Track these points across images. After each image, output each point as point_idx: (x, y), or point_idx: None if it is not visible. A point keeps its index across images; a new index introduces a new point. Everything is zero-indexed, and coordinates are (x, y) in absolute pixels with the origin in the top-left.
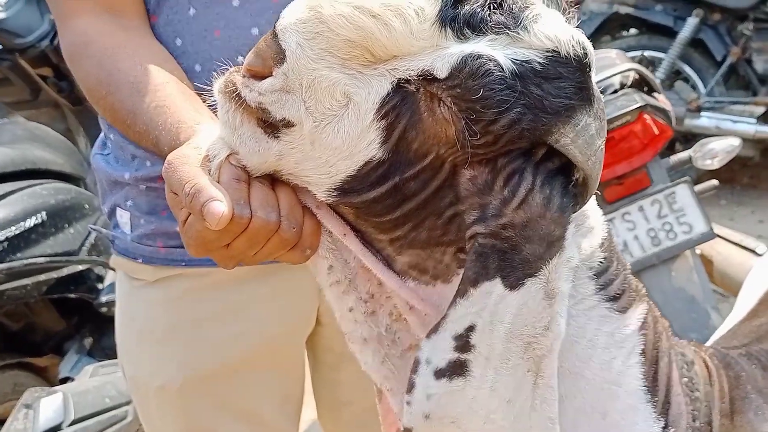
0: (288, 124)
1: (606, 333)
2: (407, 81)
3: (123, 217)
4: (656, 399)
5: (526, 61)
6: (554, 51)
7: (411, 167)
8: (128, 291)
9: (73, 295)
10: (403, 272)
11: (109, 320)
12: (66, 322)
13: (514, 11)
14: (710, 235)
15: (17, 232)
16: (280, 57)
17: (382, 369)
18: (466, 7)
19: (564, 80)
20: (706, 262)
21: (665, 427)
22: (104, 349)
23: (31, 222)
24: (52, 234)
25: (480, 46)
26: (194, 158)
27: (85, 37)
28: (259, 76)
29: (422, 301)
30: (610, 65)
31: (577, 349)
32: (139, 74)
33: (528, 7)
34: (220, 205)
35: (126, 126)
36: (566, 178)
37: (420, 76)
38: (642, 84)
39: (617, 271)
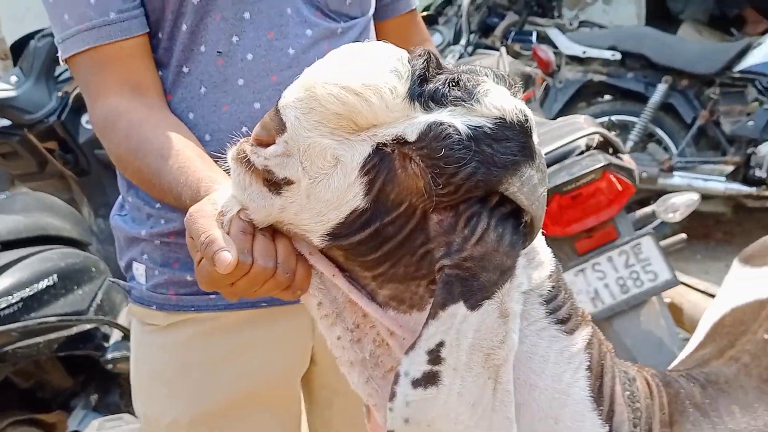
0: (288, 182)
1: (556, 350)
2: (384, 144)
3: (139, 269)
4: (602, 408)
5: (478, 127)
6: (501, 118)
7: (389, 214)
8: (142, 336)
9: (80, 353)
10: (384, 303)
11: (114, 377)
12: (73, 379)
13: (468, 87)
14: (674, 282)
15: (31, 293)
16: (282, 128)
17: (366, 388)
18: (431, 85)
19: (510, 141)
20: (677, 309)
21: (609, 431)
22: (109, 406)
23: (43, 284)
24: (62, 295)
25: (442, 115)
26: (210, 212)
27: (114, 113)
28: (265, 144)
29: (401, 328)
30: (578, 129)
31: (532, 364)
32: (162, 142)
33: (480, 84)
34: (227, 255)
35: (152, 185)
36: (516, 220)
37: (394, 140)
38: (607, 146)
39: (565, 299)
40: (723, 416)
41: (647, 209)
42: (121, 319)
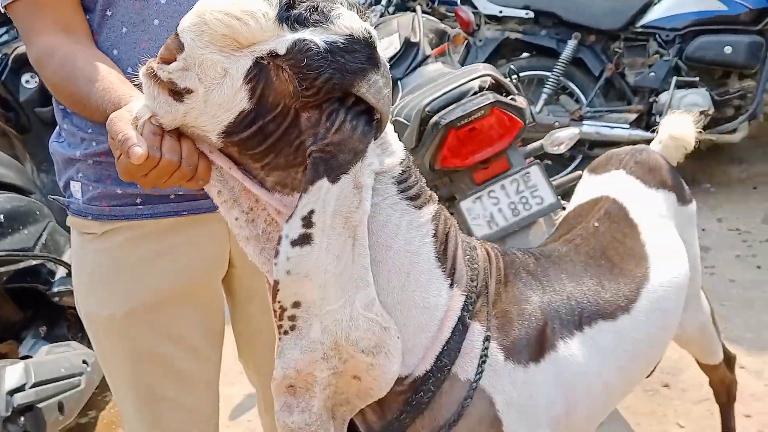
0: (188, 91)
1: (407, 221)
2: (262, 58)
3: (75, 186)
4: (445, 266)
5: (333, 42)
6: (350, 35)
7: (269, 113)
8: (81, 244)
9: (28, 286)
10: (271, 188)
11: (62, 310)
12: (23, 312)
13: (325, 12)
14: (557, 206)
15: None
16: (181, 47)
17: (261, 257)
18: (295, 11)
19: (358, 53)
20: None
21: (451, 285)
22: (58, 337)
23: None
24: (8, 234)
25: (305, 34)
26: (127, 117)
27: (49, 49)
28: (168, 62)
29: (285, 207)
30: (473, 72)
31: (387, 230)
32: (90, 70)
33: (334, 9)
34: (139, 149)
35: (83, 106)
36: (368, 116)
37: (269, 54)
38: (499, 88)
39: (414, 182)
40: (552, 281)
41: (536, 144)
42: (66, 258)
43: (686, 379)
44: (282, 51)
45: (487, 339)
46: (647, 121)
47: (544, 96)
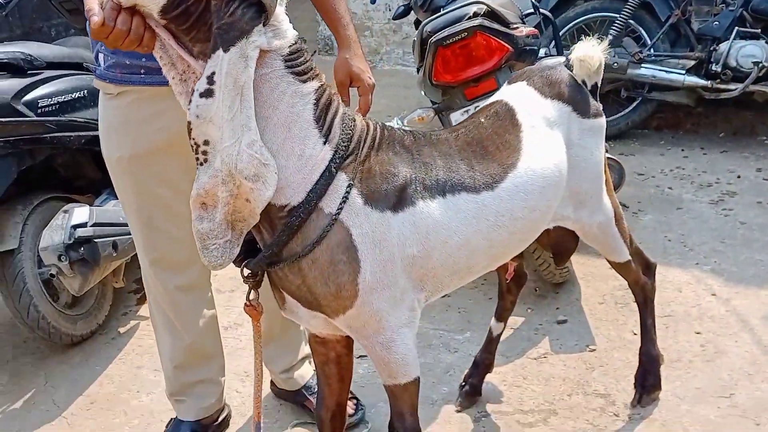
0: None
1: (292, 89)
2: None
3: (100, 57)
4: (321, 127)
5: None
6: None
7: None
8: (103, 102)
9: None
10: (197, 56)
11: None
12: (102, 173)
13: None
14: None
15: (65, 99)
16: None
17: (185, 104)
18: None
19: None
20: None
21: (324, 142)
22: None
23: (75, 95)
24: (90, 106)
25: None
26: None
27: None
28: None
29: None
30: (473, 3)
31: (274, 94)
32: None
33: None
34: (96, 18)
35: None
36: (259, 8)
37: None
38: (493, 15)
39: (302, 62)
40: (424, 156)
41: (525, 68)
42: None
43: (659, 299)
44: None
45: (350, 186)
46: (706, 69)
47: (609, 37)
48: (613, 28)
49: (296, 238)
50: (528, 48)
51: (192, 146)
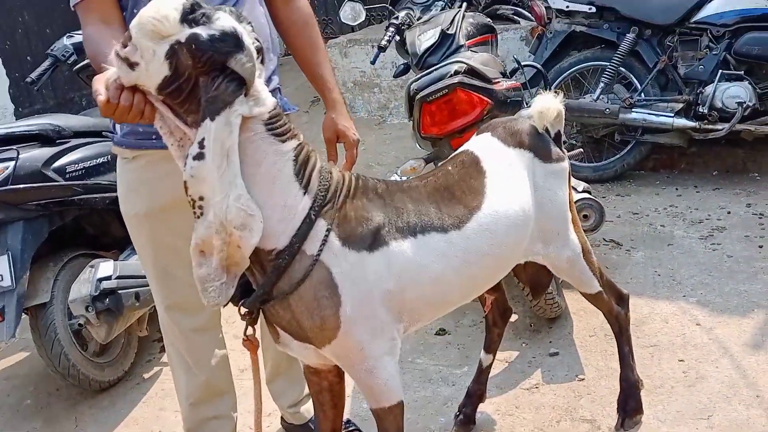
0: (137, 64)
1: (273, 149)
2: (174, 44)
3: (117, 126)
4: (301, 179)
5: (212, 34)
6: (224, 30)
7: (181, 78)
8: (120, 165)
9: None
10: (190, 125)
11: None
12: (125, 230)
13: (210, 16)
14: None
15: (91, 164)
16: (130, 38)
17: (183, 166)
18: (191, 15)
19: (229, 40)
20: None
21: (305, 193)
22: None
23: (100, 160)
24: (113, 170)
25: (197, 30)
26: (103, 79)
27: (89, 35)
28: (125, 45)
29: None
30: (454, 60)
31: (258, 154)
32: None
33: (215, 14)
34: (101, 97)
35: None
36: (239, 81)
37: (177, 41)
38: (473, 73)
39: (281, 124)
40: (396, 201)
41: (491, 121)
42: None
43: (646, 330)
44: (183, 40)
45: (328, 230)
46: (694, 110)
47: (601, 84)
48: (604, 76)
49: (284, 278)
50: (509, 100)
51: (189, 202)
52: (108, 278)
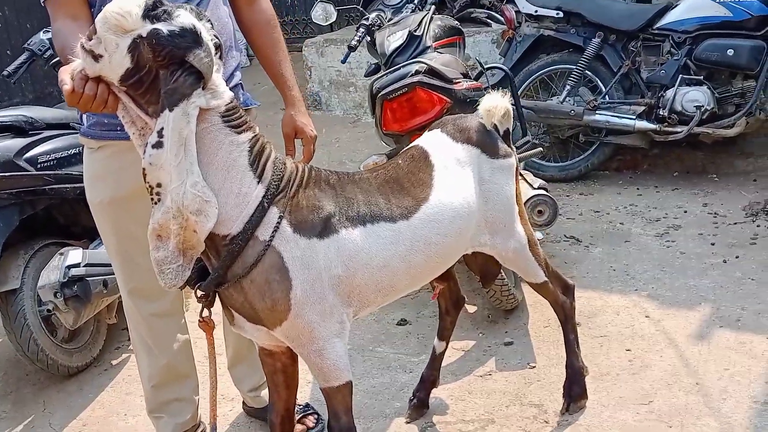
0: (101, 56)
1: (229, 140)
2: (136, 38)
3: (84, 117)
4: (255, 169)
5: (173, 30)
6: (183, 27)
7: (142, 70)
8: (86, 155)
9: None
10: (151, 115)
11: None
12: None
13: (170, 13)
14: None
15: (62, 155)
16: (95, 31)
17: (143, 154)
18: (153, 12)
19: (187, 37)
20: None
21: (258, 182)
22: None
23: (72, 151)
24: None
25: (158, 25)
26: (68, 69)
27: (58, 30)
28: (89, 39)
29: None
30: (415, 61)
31: (214, 144)
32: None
33: (176, 11)
34: (66, 86)
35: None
36: (197, 75)
37: (139, 36)
38: (432, 72)
39: (237, 118)
40: (346, 192)
41: (442, 118)
42: None
43: (598, 321)
44: (144, 34)
45: (280, 218)
46: (655, 113)
47: (567, 87)
48: (570, 78)
49: (237, 262)
50: (469, 99)
51: (147, 188)
52: (77, 266)
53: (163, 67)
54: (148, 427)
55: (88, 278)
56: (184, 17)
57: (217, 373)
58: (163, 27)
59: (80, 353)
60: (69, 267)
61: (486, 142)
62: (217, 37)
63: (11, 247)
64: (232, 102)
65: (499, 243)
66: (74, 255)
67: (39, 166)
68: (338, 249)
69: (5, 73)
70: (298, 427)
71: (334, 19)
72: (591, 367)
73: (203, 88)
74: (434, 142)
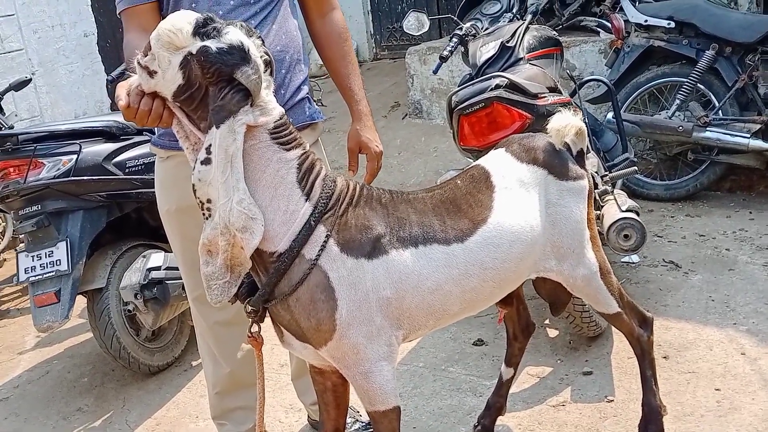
0: (155, 72)
1: (277, 157)
2: (188, 54)
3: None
4: (303, 186)
5: (221, 47)
6: (231, 44)
7: (193, 87)
8: (157, 164)
9: None
10: (203, 131)
11: None
12: None
13: (219, 30)
14: None
15: (151, 161)
16: (150, 48)
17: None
18: (203, 29)
19: (236, 53)
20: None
21: (306, 200)
22: None
23: None
24: None
25: (208, 42)
26: (125, 85)
27: (129, 41)
28: (145, 55)
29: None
30: (496, 75)
31: (262, 162)
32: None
33: (225, 28)
34: (122, 101)
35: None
36: (245, 92)
37: (190, 53)
38: (514, 87)
39: (287, 134)
40: (399, 212)
41: (509, 137)
42: None
43: (688, 356)
44: (194, 51)
45: (327, 236)
46: None
47: (677, 101)
48: (680, 92)
49: (284, 279)
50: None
51: (198, 204)
52: (157, 269)
53: (212, 84)
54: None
55: (167, 281)
56: (233, 34)
57: (282, 382)
58: (212, 44)
59: (162, 353)
60: (150, 270)
61: (554, 162)
62: (267, 54)
63: (100, 247)
64: (281, 119)
65: (566, 269)
66: (156, 258)
67: (127, 170)
68: (387, 270)
69: (109, 78)
70: None
71: (426, 29)
72: (674, 405)
73: (251, 105)
74: (497, 161)
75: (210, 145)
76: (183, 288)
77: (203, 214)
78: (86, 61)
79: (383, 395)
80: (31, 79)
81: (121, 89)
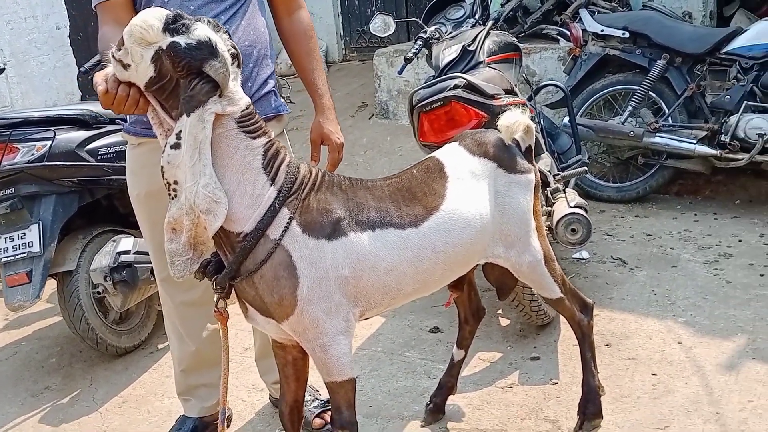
0: (128, 65)
1: (243, 145)
2: (159, 49)
3: (127, 116)
4: (269, 172)
5: (189, 43)
6: (199, 40)
7: (164, 79)
8: (128, 150)
9: None
10: (174, 118)
11: None
12: None
13: (188, 26)
14: None
15: (123, 149)
16: (123, 42)
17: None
18: (173, 25)
19: (204, 48)
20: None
21: (271, 184)
22: None
23: None
24: None
25: (177, 38)
26: (103, 74)
27: (103, 33)
28: (119, 48)
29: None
30: (454, 76)
31: (229, 148)
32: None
33: (193, 25)
34: (101, 87)
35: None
36: (214, 84)
37: (161, 48)
38: (471, 88)
39: (253, 123)
40: (358, 198)
41: (462, 132)
42: None
43: (629, 344)
44: (164, 47)
45: (290, 219)
46: (717, 139)
47: (629, 108)
48: (633, 99)
49: (249, 258)
50: None
51: (165, 185)
52: (127, 252)
53: (183, 77)
54: (180, 408)
55: (136, 265)
56: (201, 30)
57: (246, 364)
58: (181, 40)
59: (129, 335)
60: (119, 253)
61: (503, 156)
62: (235, 48)
63: (71, 231)
64: (248, 108)
65: (513, 256)
66: (125, 242)
67: (99, 157)
68: (346, 251)
69: (82, 69)
70: (318, 421)
71: (392, 31)
72: (613, 388)
73: (220, 96)
74: (451, 154)
75: (180, 131)
76: (151, 272)
77: (169, 195)
78: (58, 54)
79: (340, 367)
80: (4, 68)
81: (99, 77)
